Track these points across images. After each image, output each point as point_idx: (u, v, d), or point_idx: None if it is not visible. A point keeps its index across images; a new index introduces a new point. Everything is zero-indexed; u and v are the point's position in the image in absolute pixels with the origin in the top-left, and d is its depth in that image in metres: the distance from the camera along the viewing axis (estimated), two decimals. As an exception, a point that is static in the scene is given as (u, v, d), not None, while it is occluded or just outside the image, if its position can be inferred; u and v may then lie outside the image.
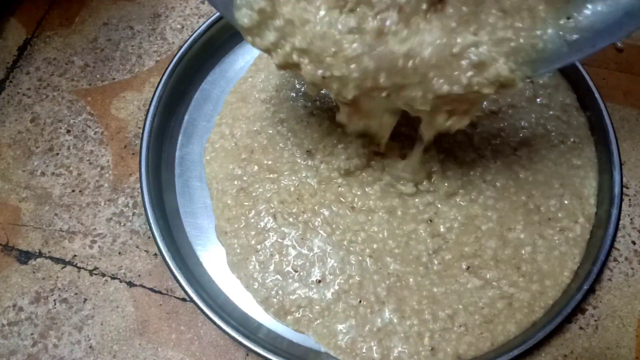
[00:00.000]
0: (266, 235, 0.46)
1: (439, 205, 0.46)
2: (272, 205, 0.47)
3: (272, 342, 0.42)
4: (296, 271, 0.44)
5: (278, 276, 0.44)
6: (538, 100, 0.50)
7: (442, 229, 0.45)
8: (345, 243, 0.45)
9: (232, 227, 0.46)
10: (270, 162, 0.49)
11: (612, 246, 0.44)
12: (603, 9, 0.32)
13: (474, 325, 0.42)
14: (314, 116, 0.51)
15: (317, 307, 0.43)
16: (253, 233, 0.46)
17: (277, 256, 0.45)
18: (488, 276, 0.44)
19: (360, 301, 0.43)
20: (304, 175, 0.48)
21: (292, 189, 0.47)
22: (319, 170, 0.48)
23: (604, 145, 0.47)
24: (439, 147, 0.48)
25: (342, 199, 0.47)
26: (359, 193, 0.47)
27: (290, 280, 0.44)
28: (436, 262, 0.44)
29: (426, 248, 0.45)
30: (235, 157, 0.49)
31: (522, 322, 0.42)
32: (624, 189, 0.48)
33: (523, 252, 0.44)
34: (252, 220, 0.46)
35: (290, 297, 0.43)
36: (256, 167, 0.49)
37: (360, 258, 0.45)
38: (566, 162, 0.47)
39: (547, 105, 0.50)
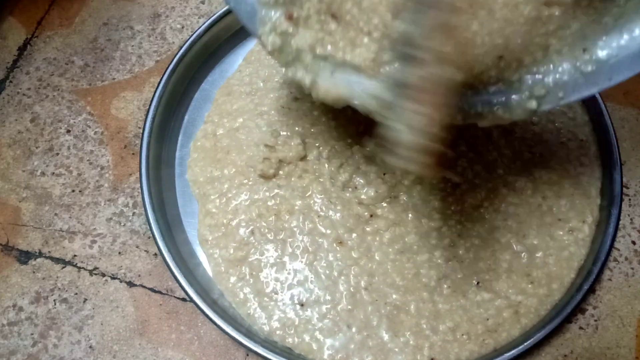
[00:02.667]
0: (245, 250, 0.44)
1: (465, 223, 0.44)
2: (251, 218, 0.45)
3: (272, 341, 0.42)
4: (276, 293, 0.43)
5: (258, 295, 0.43)
6: None
7: (461, 252, 0.43)
8: (334, 274, 0.43)
9: (213, 236, 0.45)
10: (244, 164, 0.47)
11: (612, 246, 0.44)
12: (620, 42, 0.32)
13: (476, 334, 0.41)
14: (297, 101, 0.49)
15: (301, 326, 0.42)
16: (232, 245, 0.44)
17: (256, 274, 0.43)
18: (497, 288, 0.42)
19: (348, 326, 0.41)
20: (276, 183, 0.46)
21: (269, 202, 0.46)
22: (280, 187, 0.46)
23: (604, 145, 0.47)
24: (468, 146, 0.47)
25: (323, 232, 0.45)
26: (354, 236, 0.44)
27: (272, 302, 0.43)
28: (445, 286, 0.42)
29: (437, 273, 0.43)
30: (212, 159, 0.48)
31: (527, 326, 0.42)
32: (624, 189, 0.48)
33: (536, 257, 0.43)
34: (232, 231, 0.45)
35: (273, 317, 0.42)
36: (233, 170, 0.47)
37: (352, 290, 0.42)
38: (575, 161, 0.47)
39: None
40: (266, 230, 0.45)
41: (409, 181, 0.46)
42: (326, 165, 0.47)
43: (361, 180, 0.46)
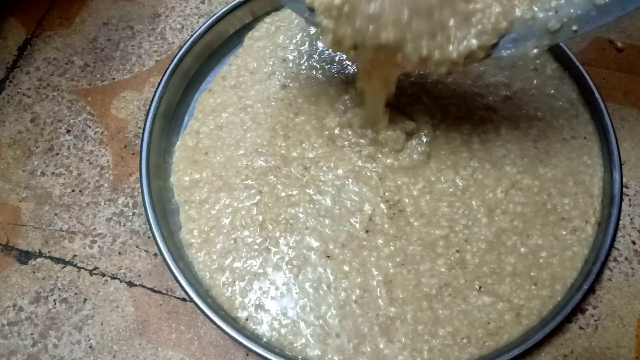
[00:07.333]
0: (227, 257, 0.44)
1: (472, 227, 0.44)
2: (233, 226, 0.44)
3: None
4: (259, 301, 0.42)
5: (243, 300, 0.42)
6: (547, 91, 0.50)
7: (468, 257, 0.43)
8: (323, 286, 0.42)
9: (196, 241, 0.44)
10: (221, 166, 0.46)
11: (612, 246, 0.44)
12: None
13: (477, 337, 0.41)
14: (284, 89, 0.49)
15: (289, 332, 0.41)
16: (214, 251, 0.44)
17: (238, 282, 0.43)
18: (500, 291, 0.42)
19: (337, 335, 0.41)
20: (258, 190, 0.45)
21: (252, 211, 0.45)
22: (262, 194, 0.45)
23: (604, 145, 0.47)
24: (480, 143, 0.47)
25: (311, 245, 0.43)
26: (346, 251, 0.43)
27: (257, 309, 0.42)
28: (446, 293, 0.42)
29: (439, 281, 0.42)
30: (190, 161, 0.47)
31: (529, 327, 0.41)
32: (624, 189, 0.48)
33: (540, 258, 0.43)
34: (213, 239, 0.44)
35: (260, 323, 0.42)
36: (210, 173, 0.47)
37: (342, 303, 0.41)
38: (577, 159, 0.47)
39: (555, 97, 0.50)
40: (249, 240, 0.44)
41: (418, 191, 0.45)
42: (312, 172, 0.46)
43: (355, 198, 0.45)
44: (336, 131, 0.47)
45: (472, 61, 0.36)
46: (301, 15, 0.39)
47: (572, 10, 0.34)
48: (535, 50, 0.35)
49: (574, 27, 0.34)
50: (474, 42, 0.35)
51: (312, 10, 0.38)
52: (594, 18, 0.33)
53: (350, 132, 0.47)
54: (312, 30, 0.53)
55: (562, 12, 0.34)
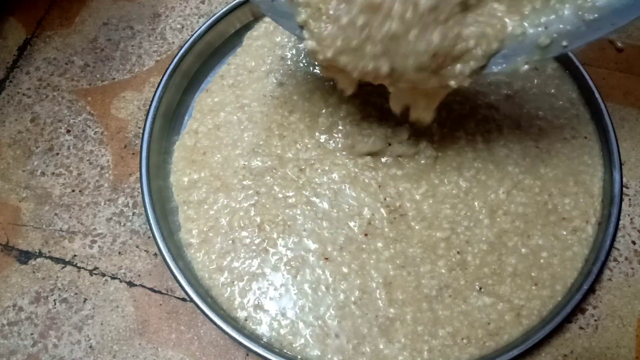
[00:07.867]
0: (225, 258, 0.44)
1: (474, 229, 0.44)
2: (231, 227, 0.44)
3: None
4: (258, 302, 0.42)
5: (242, 300, 0.42)
6: (547, 90, 0.50)
7: (469, 258, 0.43)
8: (322, 288, 0.42)
9: (195, 241, 0.44)
10: (219, 166, 0.46)
11: (612, 246, 0.44)
12: None
13: (477, 338, 0.41)
14: (281, 86, 0.49)
15: (288, 332, 0.41)
16: (213, 251, 0.44)
17: (237, 282, 0.43)
18: (501, 292, 0.42)
19: (336, 335, 0.41)
20: (255, 190, 0.45)
21: (250, 212, 0.45)
22: (259, 194, 0.45)
23: (604, 145, 0.47)
24: (484, 143, 0.47)
25: (309, 247, 0.43)
26: (345, 254, 0.43)
27: (255, 309, 0.42)
28: (447, 294, 0.42)
29: (439, 282, 0.42)
30: (189, 161, 0.47)
31: (529, 327, 0.41)
32: (624, 189, 0.48)
33: (541, 258, 0.43)
34: (212, 240, 0.44)
35: (260, 323, 0.42)
36: (208, 173, 0.47)
37: (341, 304, 0.41)
38: (578, 158, 0.47)
39: (556, 96, 0.50)
40: (247, 241, 0.44)
41: (420, 195, 0.45)
42: (307, 174, 0.46)
43: (353, 203, 0.45)
44: (326, 137, 0.47)
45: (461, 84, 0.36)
46: (292, 33, 0.39)
47: (561, 26, 0.34)
48: (525, 66, 0.35)
49: (564, 43, 0.34)
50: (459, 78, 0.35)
51: (302, 27, 0.37)
52: (584, 34, 0.33)
53: (342, 142, 0.47)
54: None
55: (551, 27, 0.34)
